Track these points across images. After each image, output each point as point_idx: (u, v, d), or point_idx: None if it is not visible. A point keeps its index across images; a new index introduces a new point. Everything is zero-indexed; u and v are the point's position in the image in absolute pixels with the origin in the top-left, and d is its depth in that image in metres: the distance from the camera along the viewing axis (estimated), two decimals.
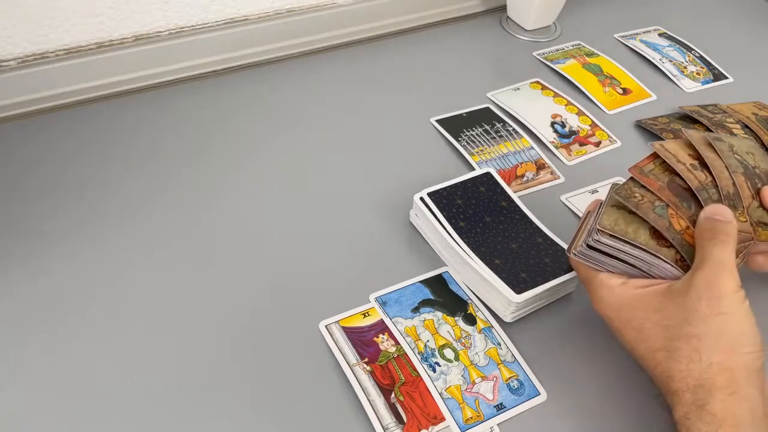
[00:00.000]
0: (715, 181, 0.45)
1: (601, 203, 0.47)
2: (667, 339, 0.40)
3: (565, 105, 0.72)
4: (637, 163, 0.47)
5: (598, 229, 0.44)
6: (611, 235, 0.44)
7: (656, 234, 0.44)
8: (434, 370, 0.47)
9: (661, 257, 0.43)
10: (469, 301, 0.52)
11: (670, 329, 0.41)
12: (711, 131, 0.68)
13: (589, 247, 0.45)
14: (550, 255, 0.52)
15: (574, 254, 0.46)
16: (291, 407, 0.45)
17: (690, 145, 0.47)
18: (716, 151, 0.46)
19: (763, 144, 0.68)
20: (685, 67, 0.80)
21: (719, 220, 0.42)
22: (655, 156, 0.48)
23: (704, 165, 0.46)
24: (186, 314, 0.49)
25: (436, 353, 0.48)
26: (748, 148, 0.48)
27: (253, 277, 0.52)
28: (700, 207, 0.44)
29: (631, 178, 0.47)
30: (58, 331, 0.47)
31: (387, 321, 0.50)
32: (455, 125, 0.68)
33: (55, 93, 0.65)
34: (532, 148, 0.66)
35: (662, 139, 0.67)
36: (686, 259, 0.43)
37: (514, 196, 0.57)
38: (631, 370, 0.49)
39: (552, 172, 0.64)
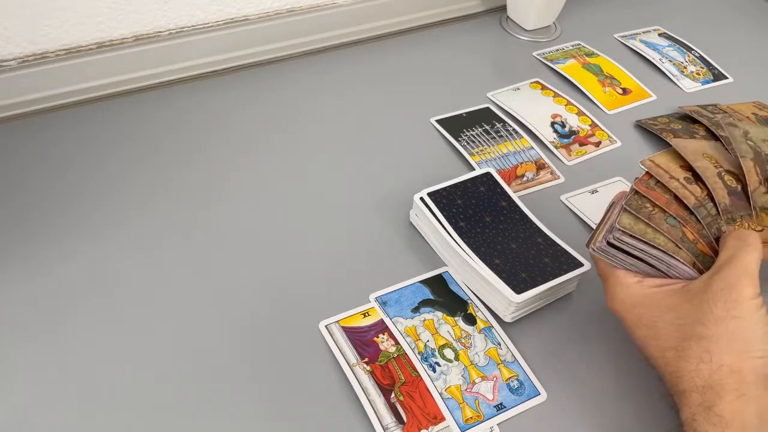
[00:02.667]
0: (711, 194, 0.45)
1: (625, 196, 0.46)
2: (678, 338, 0.41)
3: (565, 105, 0.72)
4: (641, 176, 0.47)
5: (618, 228, 0.44)
6: (631, 235, 0.43)
7: None
8: (434, 370, 0.47)
9: (680, 260, 0.43)
10: (469, 301, 0.52)
11: (682, 328, 0.41)
12: (711, 131, 0.68)
13: (609, 244, 0.44)
14: (550, 255, 0.52)
15: (593, 250, 0.45)
16: (291, 407, 0.45)
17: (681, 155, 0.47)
18: (720, 140, 0.45)
19: None
20: (685, 67, 0.80)
21: (748, 232, 0.43)
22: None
23: (698, 176, 0.45)
24: (186, 314, 0.49)
25: (436, 353, 0.48)
26: (766, 135, 0.47)
27: (253, 278, 0.52)
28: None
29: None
30: (58, 331, 0.47)
31: (387, 321, 0.50)
32: (455, 125, 0.68)
33: (55, 93, 0.65)
34: (532, 148, 0.66)
35: (662, 139, 0.68)
36: (703, 267, 0.43)
37: (514, 196, 0.57)
38: (631, 370, 0.49)
39: (552, 172, 0.64)
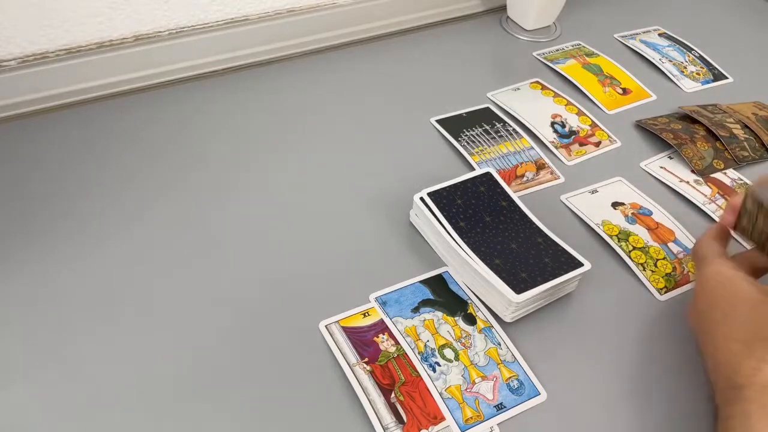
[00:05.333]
0: None
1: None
2: (749, 333, 0.41)
3: (565, 105, 0.72)
4: None
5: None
6: None
7: None
8: (434, 370, 0.47)
9: None
10: (469, 301, 0.52)
11: (755, 325, 0.41)
12: (711, 131, 0.68)
13: None
14: (550, 255, 0.52)
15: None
16: (291, 407, 0.45)
17: None
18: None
19: (762, 144, 0.68)
20: (685, 67, 0.80)
21: None
22: None
23: None
24: (186, 314, 0.49)
25: (436, 353, 0.48)
26: None
27: (254, 277, 0.52)
28: None
29: None
30: (58, 330, 0.47)
31: (387, 321, 0.50)
32: (455, 125, 0.68)
33: (55, 93, 0.65)
34: (532, 148, 0.66)
35: (662, 139, 0.67)
36: None
37: (514, 196, 0.57)
38: (630, 370, 0.49)
39: (552, 172, 0.64)
